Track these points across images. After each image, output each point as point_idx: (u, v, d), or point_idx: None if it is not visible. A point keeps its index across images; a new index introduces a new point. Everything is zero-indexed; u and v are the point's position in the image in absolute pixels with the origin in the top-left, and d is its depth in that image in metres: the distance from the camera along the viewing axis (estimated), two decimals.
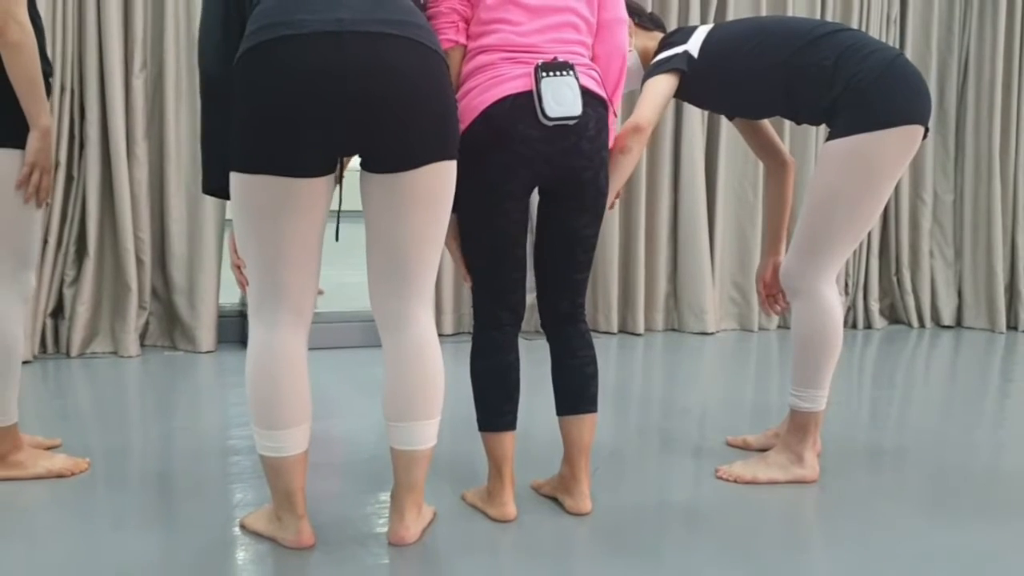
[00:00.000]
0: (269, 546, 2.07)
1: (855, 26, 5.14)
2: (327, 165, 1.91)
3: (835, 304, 2.57)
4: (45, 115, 2.32)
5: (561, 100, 2.09)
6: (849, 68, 2.43)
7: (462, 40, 2.19)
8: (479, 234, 2.22)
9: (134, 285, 4.12)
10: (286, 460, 2.00)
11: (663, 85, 2.58)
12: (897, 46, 5.29)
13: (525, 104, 2.10)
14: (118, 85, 4.05)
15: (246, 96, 1.84)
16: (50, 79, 2.42)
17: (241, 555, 2.04)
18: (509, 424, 2.26)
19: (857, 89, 2.42)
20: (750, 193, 5.10)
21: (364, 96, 1.82)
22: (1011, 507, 2.43)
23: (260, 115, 1.83)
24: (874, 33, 5.18)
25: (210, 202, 4.23)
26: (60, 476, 2.49)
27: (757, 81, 2.59)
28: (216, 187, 2.02)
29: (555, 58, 2.13)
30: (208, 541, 2.10)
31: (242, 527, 2.16)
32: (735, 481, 2.57)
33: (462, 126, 2.10)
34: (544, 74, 2.09)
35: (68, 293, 4.09)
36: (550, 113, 2.08)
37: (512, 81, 2.11)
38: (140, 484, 2.49)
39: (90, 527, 2.18)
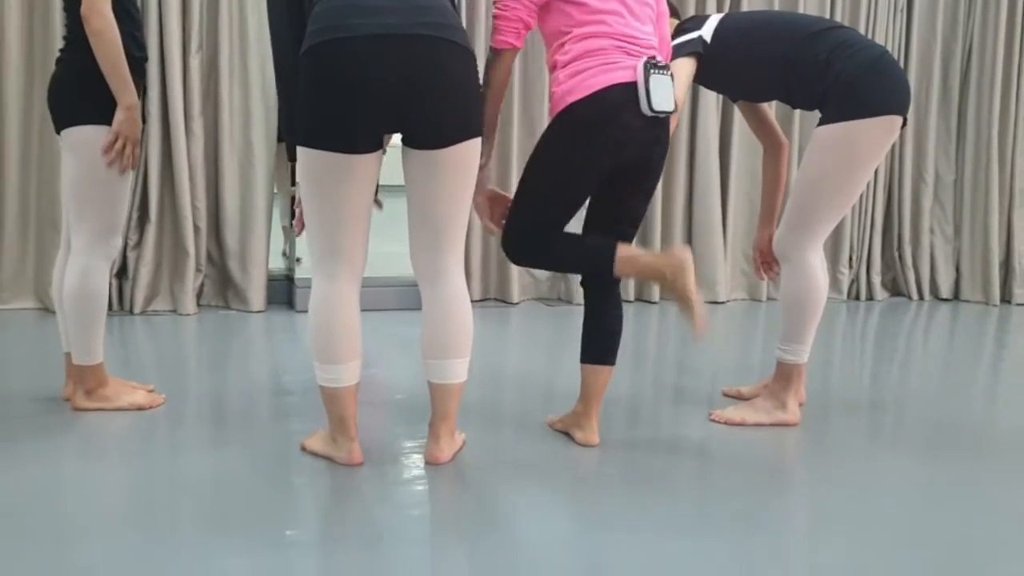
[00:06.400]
0: (325, 463, 2.45)
1: (864, 14, 5.44)
2: (375, 143, 2.29)
3: (819, 270, 2.92)
4: (128, 94, 2.65)
5: (663, 96, 2.44)
6: (840, 63, 2.77)
7: (519, 45, 2.52)
8: (553, 194, 2.52)
9: (191, 249, 4.51)
10: (340, 389, 2.38)
11: (687, 67, 2.90)
12: (903, 33, 5.58)
13: (630, 94, 2.43)
14: (176, 64, 4.42)
15: (309, 88, 2.22)
16: (144, 64, 2.78)
17: (302, 470, 2.42)
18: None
19: (846, 82, 2.75)
20: (758, 171, 5.38)
21: (406, 88, 2.19)
22: (986, 447, 2.78)
23: (320, 105, 2.21)
24: (881, 21, 5.47)
25: (260, 175, 4.61)
26: (140, 409, 2.88)
27: (758, 69, 2.93)
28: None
29: (655, 57, 2.47)
30: (273, 459, 2.49)
31: (302, 448, 2.55)
32: (726, 423, 2.93)
33: (571, 99, 2.42)
34: (653, 70, 2.42)
35: (132, 256, 4.49)
36: (656, 107, 2.42)
37: (622, 71, 2.43)
38: (209, 417, 2.87)
39: (170, 449, 2.57)
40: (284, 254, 5.27)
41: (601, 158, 2.48)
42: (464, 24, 2.63)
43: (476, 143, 2.33)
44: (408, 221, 2.43)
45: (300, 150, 2.29)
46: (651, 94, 2.41)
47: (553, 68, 2.54)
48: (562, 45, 2.51)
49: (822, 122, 2.82)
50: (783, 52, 2.85)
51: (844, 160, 2.78)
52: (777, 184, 3.27)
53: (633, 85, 2.42)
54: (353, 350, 2.37)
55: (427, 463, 2.48)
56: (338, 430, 2.44)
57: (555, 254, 2.60)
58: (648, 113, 2.43)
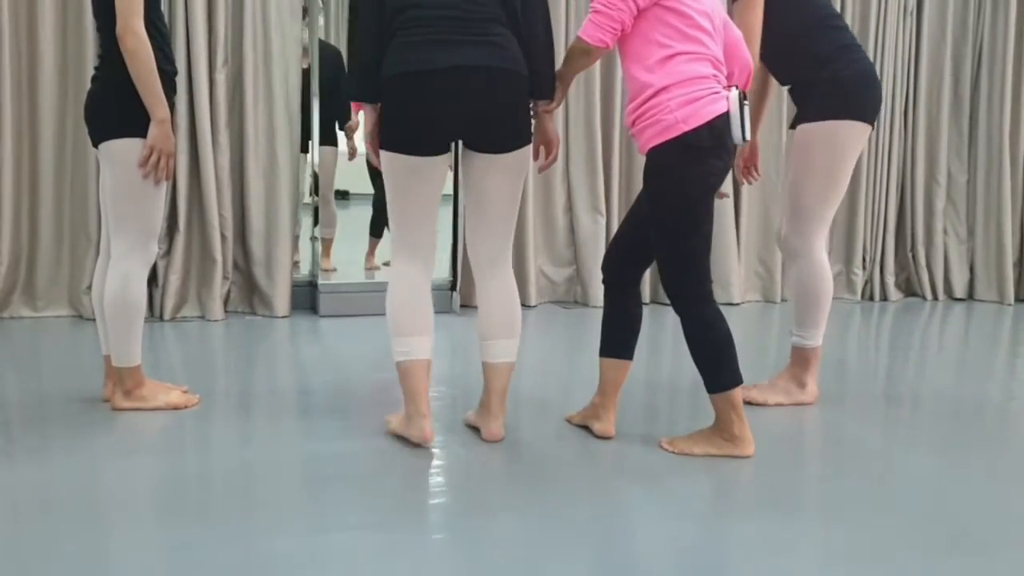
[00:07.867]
0: (353, 457, 2.55)
1: (874, 17, 5.53)
2: (444, 148, 2.60)
3: (826, 262, 3.13)
4: (161, 108, 2.77)
5: (748, 125, 2.55)
6: (839, 62, 2.99)
7: (611, 45, 2.56)
8: (701, 224, 2.58)
9: (219, 257, 4.64)
10: (413, 363, 2.62)
11: (759, 17, 2.93)
12: (914, 35, 5.67)
13: (728, 122, 2.54)
14: (203, 79, 4.56)
15: (392, 108, 2.55)
16: (174, 78, 2.90)
17: (333, 463, 2.52)
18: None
19: (839, 83, 2.97)
20: (773, 174, 5.50)
21: (475, 112, 2.53)
22: (1003, 438, 2.86)
23: (401, 122, 2.55)
24: (892, 24, 5.56)
25: (284, 185, 4.74)
26: (176, 408, 3.00)
27: (768, 36, 3.01)
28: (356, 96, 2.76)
29: (738, 86, 2.61)
30: (303, 454, 2.60)
31: (387, 422, 2.77)
32: (749, 403, 3.05)
33: (686, 127, 2.48)
34: (745, 102, 2.54)
35: (161, 264, 4.61)
36: (746, 136, 2.55)
37: (723, 100, 2.53)
38: (240, 415, 2.98)
39: (204, 445, 2.69)
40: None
41: (719, 183, 2.59)
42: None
43: (527, 149, 2.67)
44: (466, 217, 2.74)
45: (382, 153, 2.61)
46: (744, 124, 2.53)
47: (647, 87, 2.54)
48: (663, 64, 2.52)
49: (805, 119, 3.04)
50: (794, 31, 3.01)
51: (830, 154, 3.01)
52: (763, 100, 3.31)
53: (728, 115, 2.52)
54: (424, 325, 2.64)
55: (485, 440, 2.70)
56: (412, 406, 2.63)
57: (712, 328, 2.61)
58: (739, 143, 2.56)
